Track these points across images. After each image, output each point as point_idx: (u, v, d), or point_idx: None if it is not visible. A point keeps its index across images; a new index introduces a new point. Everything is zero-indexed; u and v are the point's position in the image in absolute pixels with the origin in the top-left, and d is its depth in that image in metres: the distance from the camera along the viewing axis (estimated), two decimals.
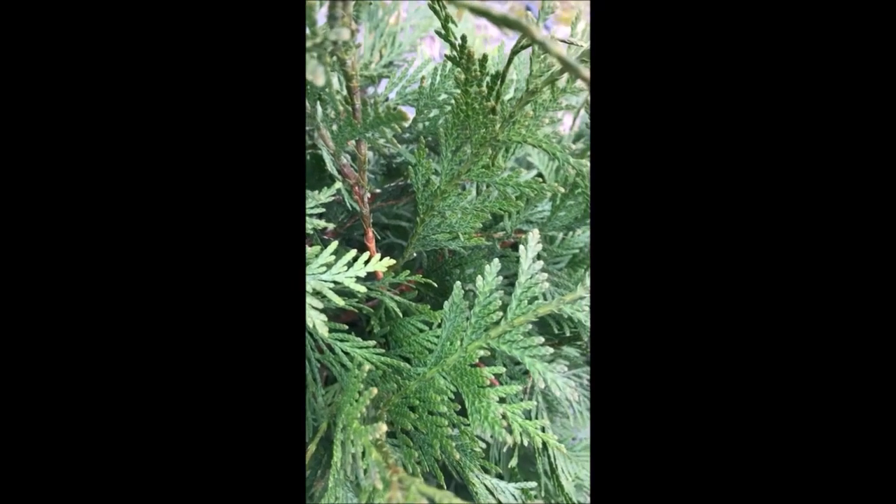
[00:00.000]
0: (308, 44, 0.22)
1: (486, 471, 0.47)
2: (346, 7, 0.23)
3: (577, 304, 0.32)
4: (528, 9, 3.06)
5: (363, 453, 0.29)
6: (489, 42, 2.80)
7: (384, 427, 0.28)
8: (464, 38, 0.38)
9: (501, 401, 0.38)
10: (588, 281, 0.32)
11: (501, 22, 0.20)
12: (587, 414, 0.65)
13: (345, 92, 0.33)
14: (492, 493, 0.48)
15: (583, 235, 0.58)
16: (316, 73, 0.19)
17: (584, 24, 0.57)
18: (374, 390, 0.31)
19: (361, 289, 0.41)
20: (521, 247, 0.34)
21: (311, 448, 0.39)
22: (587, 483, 0.64)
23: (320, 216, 0.55)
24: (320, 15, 0.23)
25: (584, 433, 0.89)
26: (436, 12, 0.38)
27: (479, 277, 0.34)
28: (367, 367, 0.33)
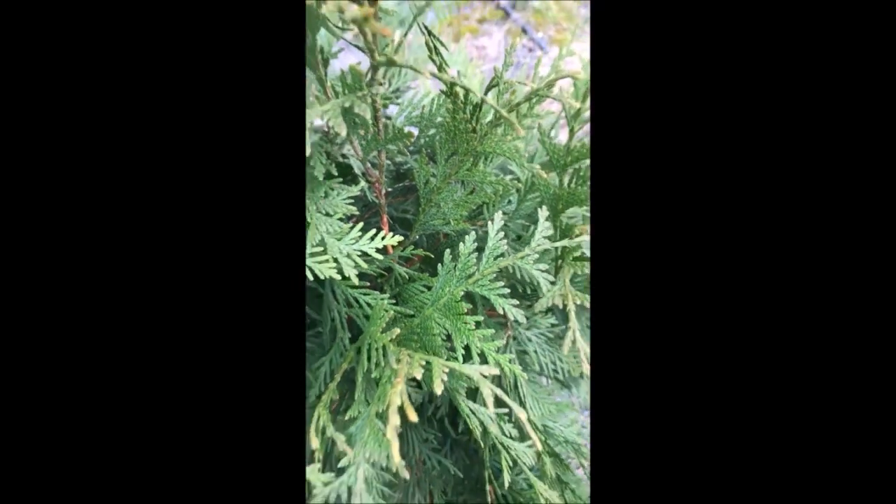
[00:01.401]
0: (358, 93, 0.38)
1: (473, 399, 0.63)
2: (379, 73, 0.39)
3: (525, 259, 0.48)
4: (523, 30, 3.25)
5: (383, 350, 0.45)
6: (486, 62, 2.99)
7: (397, 330, 0.44)
8: (452, 81, 0.55)
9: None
10: (533, 243, 0.49)
11: (436, 77, 0.37)
12: (557, 375, 0.81)
13: (371, 118, 0.50)
14: (473, 414, 0.64)
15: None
16: (340, 127, 0.35)
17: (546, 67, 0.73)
18: (392, 312, 0.47)
19: (380, 256, 0.57)
20: (489, 222, 0.51)
21: (344, 366, 0.55)
22: (554, 429, 0.80)
23: (350, 205, 0.72)
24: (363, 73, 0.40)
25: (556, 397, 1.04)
26: (432, 60, 0.55)
27: (461, 244, 0.51)
28: (385, 302, 0.49)
